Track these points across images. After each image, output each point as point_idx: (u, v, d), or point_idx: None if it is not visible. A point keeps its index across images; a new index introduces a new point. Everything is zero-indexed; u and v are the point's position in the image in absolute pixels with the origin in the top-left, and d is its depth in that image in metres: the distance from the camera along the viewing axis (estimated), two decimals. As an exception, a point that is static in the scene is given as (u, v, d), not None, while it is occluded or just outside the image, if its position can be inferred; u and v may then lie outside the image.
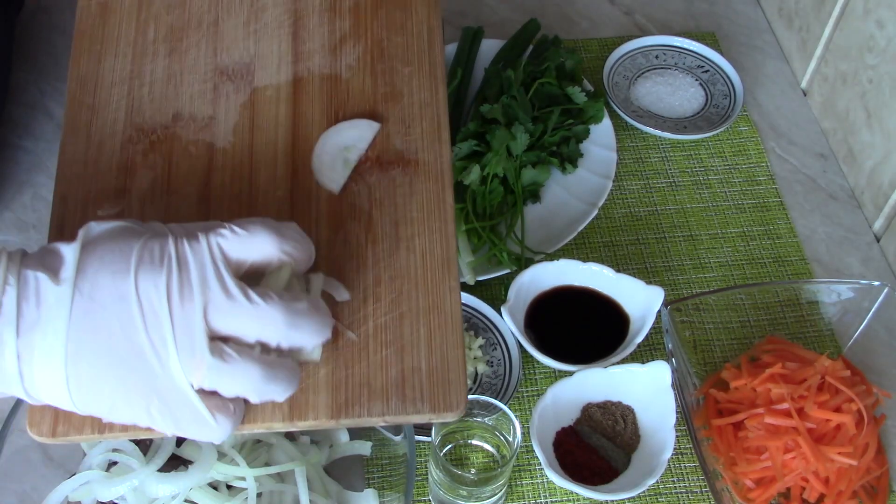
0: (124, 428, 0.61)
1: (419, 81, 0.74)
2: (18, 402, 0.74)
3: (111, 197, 0.72)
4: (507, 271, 0.93)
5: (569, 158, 1.01)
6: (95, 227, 0.57)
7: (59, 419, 0.62)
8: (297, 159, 0.72)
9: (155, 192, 0.72)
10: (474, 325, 0.91)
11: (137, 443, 0.76)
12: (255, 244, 0.57)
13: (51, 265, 0.54)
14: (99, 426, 0.62)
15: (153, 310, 0.53)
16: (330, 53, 0.75)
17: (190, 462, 0.75)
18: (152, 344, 0.53)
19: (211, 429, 0.55)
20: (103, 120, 0.75)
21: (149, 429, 0.57)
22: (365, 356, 0.65)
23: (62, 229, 0.70)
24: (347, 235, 0.70)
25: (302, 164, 0.72)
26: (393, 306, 0.67)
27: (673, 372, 0.82)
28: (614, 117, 1.05)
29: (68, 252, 0.55)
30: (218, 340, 0.54)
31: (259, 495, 0.74)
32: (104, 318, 0.53)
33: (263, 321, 0.55)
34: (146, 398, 0.54)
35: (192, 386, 0.54)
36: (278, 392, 0.57)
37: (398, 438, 0.77)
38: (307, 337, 0.57)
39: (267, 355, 0.56)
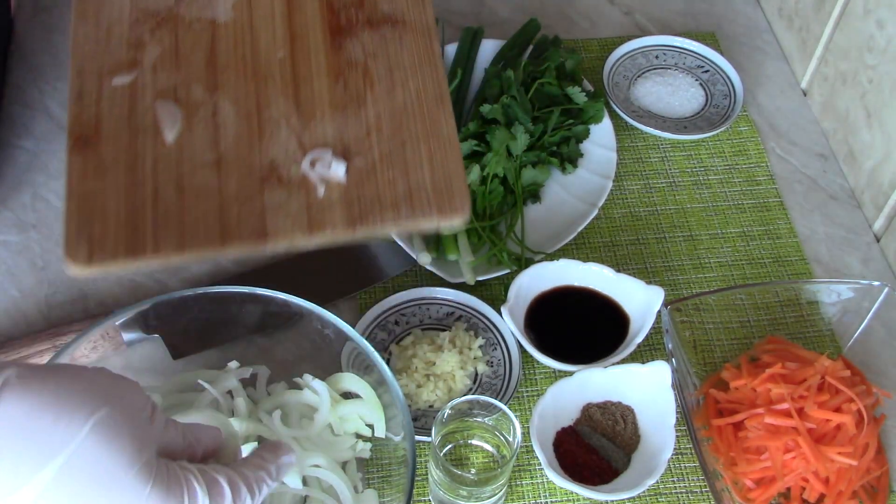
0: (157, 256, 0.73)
1: None
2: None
3: (124, 67, 0.81)
4: (507, 271, 0.93)
5: (569, 158, 1.01)
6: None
7: (94, 248, 0.72)
8: (294, 25, 0.82)
9: (165, 61, 0.81)
10: (474, 325, 0.91)
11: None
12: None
13: None
14: (133, 252, 0.73)
15: None
16: None
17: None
18: None
19: None
20: (110, 7, 0.84)
21: None
22: (374, 178, 0.75)
23: (81, 98, 0.81)
24: (347, 83, 0.80)
25: (299, 30, 0.82)
26: (394, 135, 0.77)
27: (673, 372, 0.82)
28: (614, 117, 1.05)
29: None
30: None
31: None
32: None
33: None
34: None
35: None
36: None
37: (398, 438, 0.77)
38: None
39: None
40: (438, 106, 0.79)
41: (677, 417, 0.81)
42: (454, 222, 0.75)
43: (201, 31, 0.82)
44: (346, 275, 0.95)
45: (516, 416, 0.77)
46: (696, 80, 1.12)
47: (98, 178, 0.77)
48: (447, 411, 0.77)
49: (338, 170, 0.75)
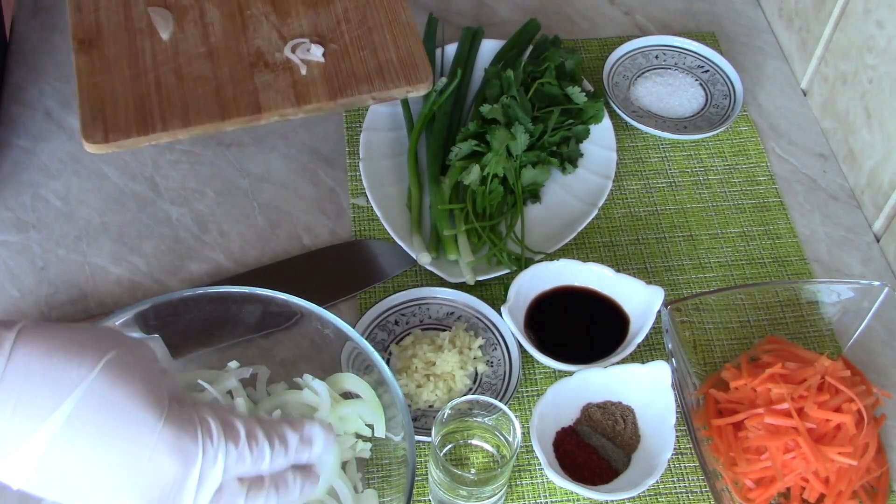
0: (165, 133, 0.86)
1: None
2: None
3: None
4: (507, 271, 0.93)
5: (569, 158, 1.01)
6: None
7: (109, 129, 0.86)
8: None
9: None
10: (474, 325, 0.91)
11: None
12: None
13: None
14: (144, 130, 0.86)
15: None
16: None
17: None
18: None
19: None
20: None
21: None
22: (347, 58, 0.92)
23: (79, 9, 0.95)
24: None
25: None
26: (361, 23, 0.94)
27: (673, 372, 0.82)
28: (614, 117, 1.05)
29: None
30: None
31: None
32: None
33: None
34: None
35: None
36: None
37: (398, 438, 0.77)
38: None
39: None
40: None
41: (677, 417, 0.81)
42: (420, 90, 0.91)
43: None
44: (346, 275, 0.95)
45: (516, 416, 0.77)
46: (696, 80, 1.12)
47: (104, 72, 0.90)
48: (447, 411, 0.77)
49: (316, 52, 0.91)
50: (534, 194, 1.00)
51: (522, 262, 0.93)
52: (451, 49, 1.09)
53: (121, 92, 0.89)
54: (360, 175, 1.02)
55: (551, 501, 0.83)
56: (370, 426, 0.80)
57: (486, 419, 0.80)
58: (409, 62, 0.91)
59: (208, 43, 0.93)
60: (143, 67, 0.91)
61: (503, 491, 0.80)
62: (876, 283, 0.86)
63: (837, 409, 0.80)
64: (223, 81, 0.90)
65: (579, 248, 0.98)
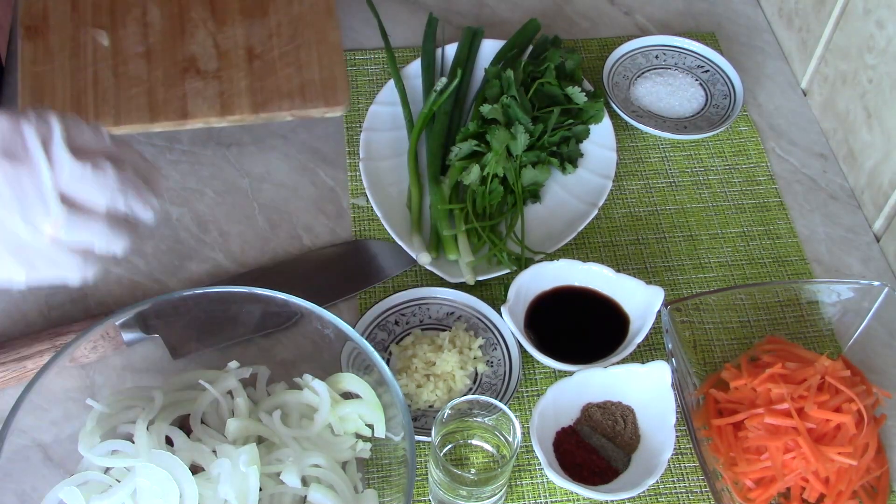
0: None
1: None
2: (18, 403, 0.74)
3: None
4: (507, 271, 0.93)
5: (569, 158, 1.01)
6: None
7: None
8: None
9: None
10: (474, 325, 0.91)
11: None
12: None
13: None
14: None
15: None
16: None
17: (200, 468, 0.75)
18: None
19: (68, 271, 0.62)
20: None
21: None
22: (273, 72, 0.98)
23: None
24: None
25: None
26: (291, 39, 0.99)
27: (673, 372, 0.82)
28: (614, 117, 1.05)
29: None
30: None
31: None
32: None
33: (102, 185, 0.62)
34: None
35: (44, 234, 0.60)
36: (121, 243, 0.64)
37: (398, 438, 0.77)
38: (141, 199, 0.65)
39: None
40: (328, 18, 1.01)
41: (677, 417, 0.81)
42: (336, 112, 0.96)
43: None
44: (346, 275, 0.95)
45: (516, 416, 0.77)
46: (696, 80, 1.12)
47: (47, 62, 0.96)
48: (447, 411, 0.77)
49: None
50: (534, 194, 1.00)
51: (522, 262, 0.93)
52: (451, 49, 1.09)
53: (60, 83, 0.95)
54: (360, 175, 1.02)
55: (551, 501, 0.83)
56: (370, 426, 0.80)
57: (486, 419, 0.80)
58: (330, 84, 0.97)
59: (147, 43, 0.98)
60: (84, 62, 0.96)
61: (503, 491, 0.80)
62: (876, 283, 0.86)
63: (837, 409, 0.80)
64: (155, 84, 0.96)
65: (579, 248, 0.98)
